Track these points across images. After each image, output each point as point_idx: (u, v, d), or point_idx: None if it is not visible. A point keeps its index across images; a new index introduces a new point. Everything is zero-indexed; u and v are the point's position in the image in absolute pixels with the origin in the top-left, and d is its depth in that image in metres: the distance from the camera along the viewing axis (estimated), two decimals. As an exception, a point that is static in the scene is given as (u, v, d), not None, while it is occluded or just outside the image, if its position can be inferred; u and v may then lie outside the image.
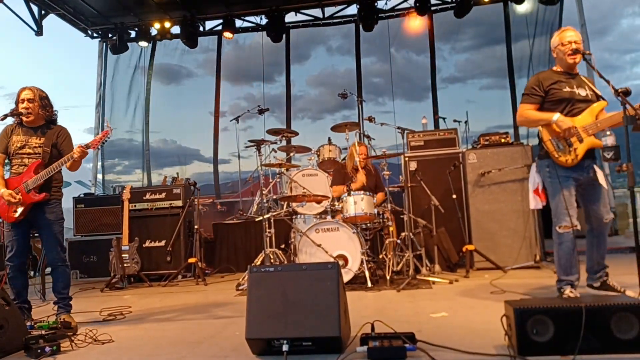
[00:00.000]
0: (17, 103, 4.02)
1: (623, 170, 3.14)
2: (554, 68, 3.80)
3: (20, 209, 3.88)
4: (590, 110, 3.59)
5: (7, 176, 4.05)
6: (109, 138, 4.04)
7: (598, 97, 3.66)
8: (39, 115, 4.04)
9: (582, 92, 3.64)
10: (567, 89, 3.63)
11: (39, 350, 2.98)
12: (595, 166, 3.61)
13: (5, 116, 4.00)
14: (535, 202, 3.83)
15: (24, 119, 4.00)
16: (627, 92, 3.25)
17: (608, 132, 3.41)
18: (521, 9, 9.10)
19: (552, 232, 3.68)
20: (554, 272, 4.89)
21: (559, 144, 3.58)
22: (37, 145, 4.00)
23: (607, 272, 3.81)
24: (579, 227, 3.59)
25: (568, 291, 3.61)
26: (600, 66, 3.64)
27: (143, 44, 10.06)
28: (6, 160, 4.08)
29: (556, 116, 3.56)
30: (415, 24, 9.53)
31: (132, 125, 10.68)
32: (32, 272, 7.63)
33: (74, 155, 3.85)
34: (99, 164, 10.52)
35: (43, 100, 4.06)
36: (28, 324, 3.48)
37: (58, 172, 4.05)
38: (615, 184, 8.26)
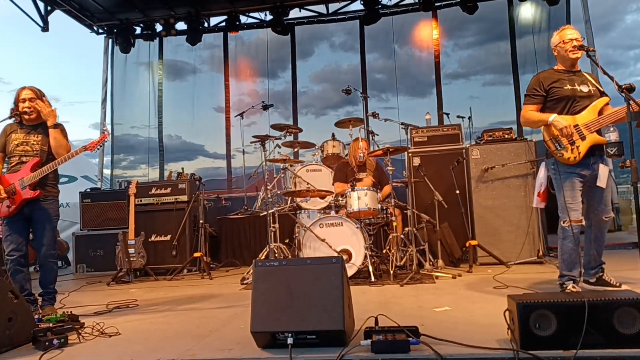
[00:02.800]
0: (16, 103, 4.12)
1: (627, 166, 3.15)
2: (555, 67, 3.81)
3: (12, 205, 3.98)
4: (592, 107, 3.59)
5: (4, 172, 4.14)
6: (106, 141, 4.14)
7: (601, 93, 3.66)
8: (39, 114, 4.12)
9: (585, 89, 3.64)
10: (568, 86, 3.64)
11: (46, 343, 3.02)
12: (601, 164, 3.59)
13: (9, 117, 4.11)
14: (536, 202, 3.89)
15: (26, 117, 4.09)
16: (631, 89, 3.26)
17: (612, 128, 3.41)
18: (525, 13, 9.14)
19: (558, 227, 3.70)
20: (557, 267, 4.89)
21: (559, 143, 3.60)
22: (35, 143, 4.09)
23: (603, 268, 3.82)
24: (583, 223, 3.60)
25: (570, 286, 3.62)
26: (604, 62, 3.66)
27: (148, 40, 10.09)
28: (5, 158, 4.18)
29: (552, 117, 3.59)
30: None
31: (137, 120, 10.73)
32: (38, 267, 7.70)
33: (70, 156, 4.00)
34: (106, 159, 10.58)
35: (43, 99, 4.15)
36: (36, 316, 3.52)
37: (54, 170, 4.13)
38: (618, 180, 8.25)
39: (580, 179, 3.60)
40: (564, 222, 3.61)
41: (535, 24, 9.18)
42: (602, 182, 3.56)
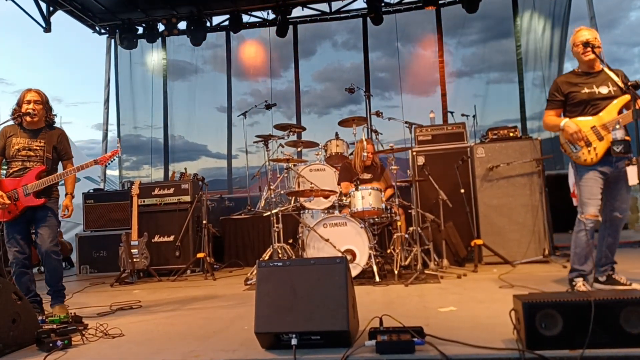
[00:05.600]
0: (20, 104, 4.10)
1: (633, 163, 3.13)
2: (576, 69, 3.80)
3: (14, 211, 4.00)
4: (612, 107, 3.55)
5: (4, 176, 4.15)
6: (118, 157, 4.14)
7: (623, 92, 3.56)
8: (42, 118, 4.14)
9: (604, 90, 3.60)
10: (586, 90, 3.63)
11: (50, 344, 3.01)
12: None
13: (11, 118, 4.09)
14: (574, 201, 3.90)
15: (28, 119, 4.07)
16: (636, 86, 3.23)
17: (617, 126, 3.38)
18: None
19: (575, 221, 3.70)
20: (563, 267, 4.90)
21: (575, 145, 3.60)
22: (39, 148, 4.07)
23: (613, 267, 3.79)
24: (599, 218, 3.58)
25: (580, 283, 3.60)
26: (608, 59, 3.62)
27: (150, 40, 10.10)
28: (4, 161, 4.18)
29: (563, 122, 3.63)
30: None
31: (140, 121, 10.74)
32: (42, 268, 7.72)
33: (79, 169, 4.02)
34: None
35: (47, 104, 4.19)
36: (40, 318, 3.52)
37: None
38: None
39: (600, 176, 3.57)
40: (580, 215, 3.62)
41: (540, 21, 9.13)
42: (632, 180, 3.52)
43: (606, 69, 3.66)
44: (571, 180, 3.94)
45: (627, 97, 3.53)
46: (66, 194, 4.14)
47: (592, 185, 3.57)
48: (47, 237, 4.04)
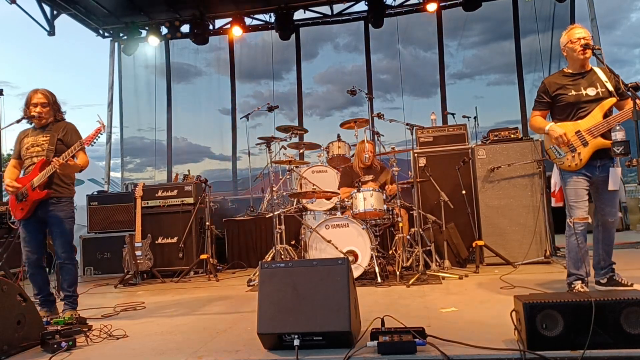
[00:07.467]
0: (27, 105, 4.13)
1: (633, 165, 3.13)
2: (565, 69, 3.75)
3: (25, 208, 4.01)
4: (597, 110, 3.52)
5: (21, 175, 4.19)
6: (102, 134, 4.12)
7: (610, 93, 3.55)
8: (50, 117, 4.18)
9: (592, 92, 3.56)
10: (573, 92, 3.59)
11: (55, 345, 3.05)
12: (611, 168, 3.54)
13: (19, 121, 4.14)
14: (553, 201, 3.89)
15: (36, 121, 4.13)
16: (636, 87, 3.23)
17: (618, 127, 3.37)
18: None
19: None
20: (564, 267, 4.89)
21: (559, 150, 3.59)
22: (44, 142, 4.10)
23: (613, 268, 3.79)
24: (589, 221, 3.58)
25: (579, 286, 3.60)
26: (609, 60, 3.60)
27: (154, 43, 10.14)
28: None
29: (547, 126, 3.62)
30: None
31: (143, 123, 10.79)
32: (48, 269, 7.76)
33: (69, 154, 3.96)
34: (113, 161, 10.65)
35: (55, 104, 4.21)
36: (44, 319, 3.54)
37: (68, 170, 4.14)
38: (626, 179, 8.20)
39: (585, 178, 3.57)
40: (569, 220, 3.61)
41: (540, 22, 9.13)
42: (613, 185, 3.52)
43: (596, 69, 3.65)
44: (554, 179, 3.91)
45: (612, 100, 3.53)
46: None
47: (577, 188, 3.56)
48: (59, 245, 4.09)
